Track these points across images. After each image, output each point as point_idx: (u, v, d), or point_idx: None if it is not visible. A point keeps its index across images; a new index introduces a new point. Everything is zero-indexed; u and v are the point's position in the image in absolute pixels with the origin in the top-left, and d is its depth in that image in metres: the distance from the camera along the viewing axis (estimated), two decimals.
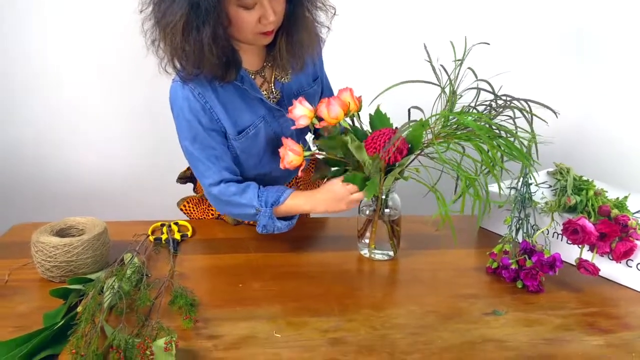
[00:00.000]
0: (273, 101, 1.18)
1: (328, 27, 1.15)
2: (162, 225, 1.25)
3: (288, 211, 1.12)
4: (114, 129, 1.92)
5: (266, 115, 1.15)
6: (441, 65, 0.99)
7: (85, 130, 1.92)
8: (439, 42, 1.04)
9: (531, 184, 1.18)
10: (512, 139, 0.98)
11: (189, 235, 1.23)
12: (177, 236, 1.21)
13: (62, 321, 0.85)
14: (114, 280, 0.95)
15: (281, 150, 1.05)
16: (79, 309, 0.88)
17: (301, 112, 1.03)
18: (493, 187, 1.22)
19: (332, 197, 1.07)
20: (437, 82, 1.00)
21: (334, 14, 1.12)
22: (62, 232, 1.07)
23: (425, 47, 1.00)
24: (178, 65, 1.03)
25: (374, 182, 1.02)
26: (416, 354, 0.82)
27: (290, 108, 1.05)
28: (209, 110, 1.09)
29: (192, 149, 1.11)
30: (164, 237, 1.19)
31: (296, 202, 1.10)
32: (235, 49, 1.05)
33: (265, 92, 1.16)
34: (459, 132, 0.98)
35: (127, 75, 1.84)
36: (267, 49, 1.14)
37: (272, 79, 1.17)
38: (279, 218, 1.12)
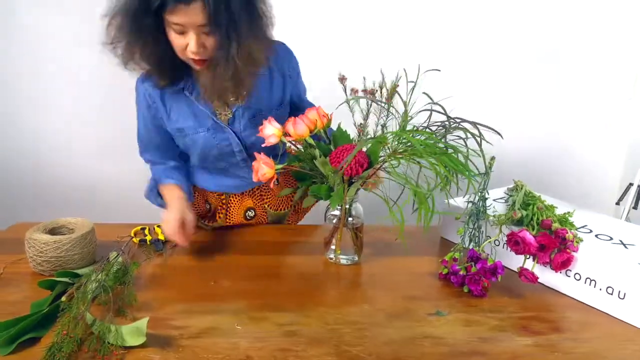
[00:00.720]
0: (224, 117, 1.30)
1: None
2: (143, 228, 1.35)
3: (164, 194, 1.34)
4: (109, 134, 2.03)
5: (213, 128, 1.29)
6: (396, 91, 1.09)
7: (84, 135, 2.04)
8: (397, 66, 1.15)
9: (487, 198, 1.27)
10: (458, 156, 1.07)
11: None
12: (162, 237, 1.31)
13: (47, 309, 0.95)
14: (100, 274, 1.06)
15: (254, 164, 1.16)
16: (63, 298, 0.98)
17: (270, 131, 1.13)
18: (454, 201, 1.32)
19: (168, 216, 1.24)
20: (383, 102, 1.10)
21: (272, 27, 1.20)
22: (54, 231, 1.18)
23: (381, 72, 1.10)
24: (131, 68, 1.19)
25: (338, 192, 1.12)
26: (359, 346, 0.92)
27: (260, 127, 1.15)
28: (154, 108, 1.29)
29: (140, 130, 1.36)
30: (148, 238, 1.30)
31: (166, 194, 1.33)
32: (179, 63, 1.18)
33: (218, 109, 1.30)
34: (412, 150, 1.08)
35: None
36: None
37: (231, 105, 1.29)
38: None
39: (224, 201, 1.46)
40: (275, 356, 0.88)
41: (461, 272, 1.11)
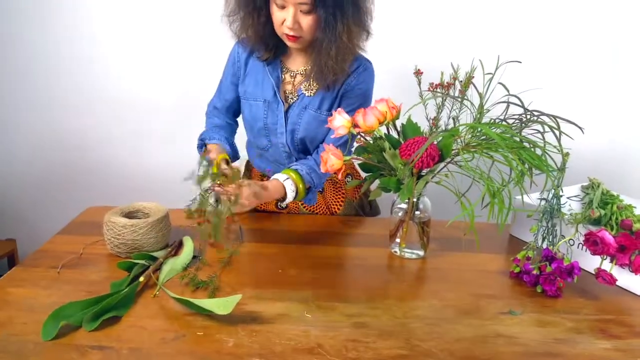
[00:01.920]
0: (289, 101, 1.37)
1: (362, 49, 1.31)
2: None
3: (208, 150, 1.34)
4: (178, 123, 2.09)
5: (269, 101, 1.36)
6: (472, 83, 1.07)
7: (156, 127, 2.11)
8: (473, 58, 1.12)
9: (561, 196, 1.23)
10: (537, 151, 1.04)
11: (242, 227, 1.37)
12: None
13: (127, 288, 0.99)
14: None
15: (323, 154, 1.16)
16: (141, 279, 1.02)
17: (340, 122, 1.13)
18: (526, 198, 1.29)
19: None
20: (463, 97, 1.08)
21: (368, 36, 1.29)
22: (130, 215, 1.22)
23: (452, 65, 1.08)
24: (234, 31, 1.33)
25: (408, 186, 1.11)
26: (431, 342, 0.91)
27: (329, 118, 1.15)
28: (237, 67, 1.41)
29: (222, 81, 1.47)
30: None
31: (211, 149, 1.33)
32: (279, 41, 1.30)
33: (286, 90, 1.37)
34: (486, 143, 1.05)
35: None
36: (307, 59, 1.36)
37: (297, 85, 1.37)
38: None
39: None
40: (347, 346, 0.88)
41: (535, 272, 1.07)
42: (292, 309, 0.99)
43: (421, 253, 1.22)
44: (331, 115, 1.38)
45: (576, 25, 1.95)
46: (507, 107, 1.07)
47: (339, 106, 1.38)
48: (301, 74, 1.37)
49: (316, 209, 1.51)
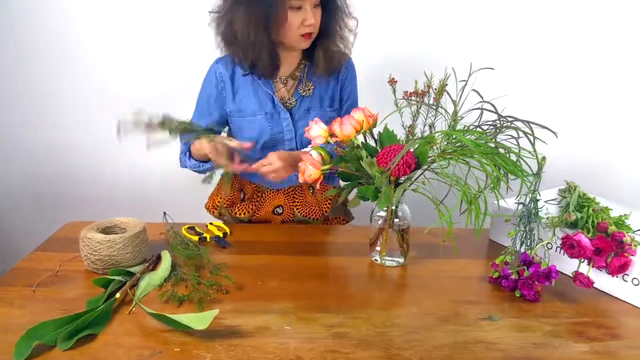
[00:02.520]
0: (288, 106, 1.39)
1: (354, 35, 1.39)
2: (191, 227, 1.38)
3: (196, 149, 1.34)
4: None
5: (271, 113, 1.38)
6: (446, 91, 1.08)
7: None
8: (447, 65, 1.13)
9: (538, 200, 1.24)
10: (512, 156, 1.05)
11: (228, 234, 1.36)
12: (219, 233, 1.33)
13: (103, 306, 0.98)
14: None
15: (301, 164, 1.16)
16: (118, 295, 1.01)
17: (317, 132, 1.13)
18: (503, 202, 1.30)
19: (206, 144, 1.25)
20: (437, 105, 1.08)
21: (357, 27, 1.36)
22: (107, 230, 1.21)
23: (425, 73, 1.09)
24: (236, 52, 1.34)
25: (386, 194, 1.11)
26: (410, 350, 0.90)
27: (306, 128, 1.16)
28: (221, 87, 1.39)
29: (201, 103, 1.43)
30: (207, 235, 1.32)
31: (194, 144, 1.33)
32: (277, 53, 1.33)
33: (282, 98, 1.39)
34: (461, 150, 1.06)
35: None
36: (295, 62, 1.40)
37: (293, 88, 1.40)
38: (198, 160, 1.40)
39: (258, 193, 1.51)
40: (326, 357, 0.88)
41: (513, 276, 1.08)
42: (271, 322, 0.98)
43: (401, 260, 1.22)
44: (334, 111, 1.42)
45: (549, 30, 1.98)
46: (481, 113, 1.08)
47: (340, 100, 1.46)
48: (292, 78, 1.41)
49: (308, 213, 1.51)
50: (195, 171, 1.43)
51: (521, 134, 1.08)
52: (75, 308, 1.00)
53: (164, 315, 0.94)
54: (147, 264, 1.15)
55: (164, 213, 1.34)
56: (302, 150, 1.40)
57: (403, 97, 1.11)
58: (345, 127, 1.10)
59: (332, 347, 0.91)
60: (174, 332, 0.94)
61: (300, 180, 1.14)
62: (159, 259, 1.19)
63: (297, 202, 1.51)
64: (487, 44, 1.96)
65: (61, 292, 1.08)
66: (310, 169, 1.14)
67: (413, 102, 1.11)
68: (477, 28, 1.95)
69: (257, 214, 1.51)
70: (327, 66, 1.37)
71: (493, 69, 1.09)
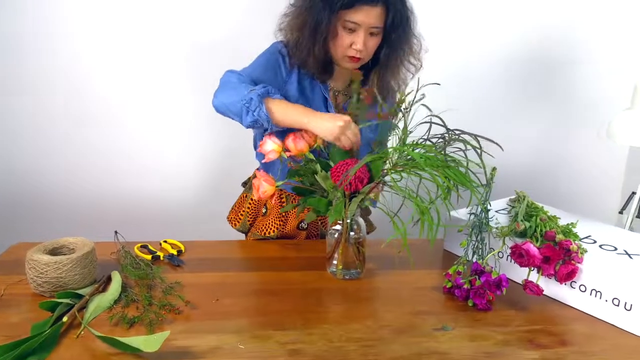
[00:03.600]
0: None
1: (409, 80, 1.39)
2: (144, 246, 1.35)
3: (281, 110, 1.21)
4: (109, 153, 2.03)
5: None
6: (399, 106, 1.10)
7: (82, 153, 2.04)
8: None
9: (489, 210, 1.27)
10: (461, 168, 1.07)
11: (183, 251, 1.34)
12: (174, 252, 1.31)
13: (49, 330, 0.94)
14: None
15: (255, 181, 1.15)
16: (65, 319, 0.97)
17: (270, 147, 1.13)
18: (456, 213, 1.32)
19: (331, 117, 1.18)
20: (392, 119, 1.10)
21: (419, 69, 1.37)
22: (54, 251, 1.17)
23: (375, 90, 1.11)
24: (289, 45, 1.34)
25: (337, 207, 1.11)
26: None
27: (260, 143, 1.15)
28: (283, 67, 1.35)
29: (256, 70, 1.33)
30: (160, 254, 1.29)
31: (292, 105, 1.23)
32: (330, 62, 1.33)
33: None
34: (412, 163, 1.08)
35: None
36: (348, 79, 1.39)
37: (341, 102, 1.40)
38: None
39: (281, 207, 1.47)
40: None
41: (465, 286, 1.10)
42: (224, 341, 0.96)
43: (359, 273, 1.23)
44: (372, 132, 1.39)
45: (486, 45, 2.04)
46: (430, 127, 1.10)
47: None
48: (344, 94, 1.41)
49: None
50: (252, 124, 1.22)
51: (469, 147, 1.10)
52: (20, 334, 0.96)
53: (113, 338, 0.91)
54: (96, 286, 1.12)
55: (115, 232, 1.31)
56: None
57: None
58: (299, 142, 1.11)
59: None
60: (124, 355, 0.91)
61: (255, 197, 1.13)
62: (109, 279, 1.15)
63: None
64: (434, 60, 2.00)
65: (5, 317, 1.03)
66: (265, 186, 1.13)
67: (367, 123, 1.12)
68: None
69: (284, 229, 1.47)
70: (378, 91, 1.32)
71: (439, 84, 1.11)
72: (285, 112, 1.21)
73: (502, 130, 1.96)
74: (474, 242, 1.20)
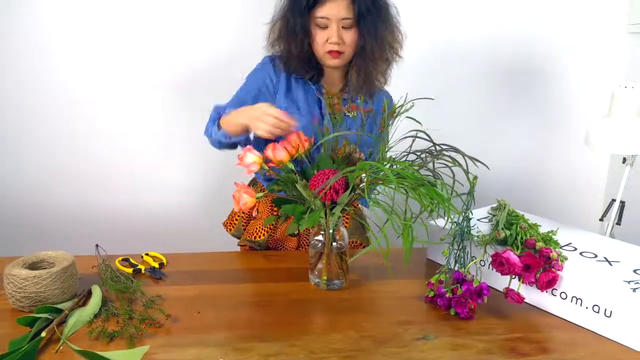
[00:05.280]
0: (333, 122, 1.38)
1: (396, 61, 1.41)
2: (126, 259, 1.34)
3: (227, 120, 1.32)
4: (91, 165, 2.02)
5: (318, 120, 1.38)
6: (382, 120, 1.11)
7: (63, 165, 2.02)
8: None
9: (471, 218, 1.28)
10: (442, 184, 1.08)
11: (165, 264, 1.33)
12: (155, 264, 1.30)
13: (27, 346, 0.93)
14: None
15: (235, 193, 1.14)
16: (43, 334, 0.96)
17: (251, 159, 1.13)
18: (438, 222, 1.32)
19: (250, 110, 1.24)
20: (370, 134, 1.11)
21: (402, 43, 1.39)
22: (34, 265, 1.15)
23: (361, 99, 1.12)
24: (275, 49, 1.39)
25: (312, 215, 1.10)
26: None
27: (239, 155, 1.15)
28: (272, 81, 1.41)
29: (240, 93, 1.42)
30: (142, 267, 1.28)
31: (235, 111, 1.30)
32: (315, 62, 1.37)
33: (333, 113, 1.40)
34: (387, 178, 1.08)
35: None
36: (342, 80, 1.43)
37: (337, 107, 1.42)
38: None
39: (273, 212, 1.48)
40: None
41: (447, 295, 1.10)
42: (205, 355, 0.95)
43: (342, 283, 1.22)
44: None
45: (469, 56, 2.06)
46: (413, 141, 1.11)
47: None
48: (338, 97, 1.43)
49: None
50: (219, 145, 1.38)
51: (453, 162, 1.11)
52: None
53: (93, 352, 0.91)
54: (76, 300, 1.10)
55: (96, 245, 1.30)
56: None
57: (348, 108, 1.13)
58: (278, 152, 1.11)
59: None
60: None
61: (236, 209, 1.12)
62: (89, 293, 1.14)
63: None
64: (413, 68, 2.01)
65: None
66: (245, 197, 1.12)
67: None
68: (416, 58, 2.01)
69: (274, 234, 1.48)
70: (360, 86, 1.38)
71: (433, 99, 1.13)
72: (229, 121, 1.31)
73: (484, 137, 2.00)
74: (455, 251, 1.20)
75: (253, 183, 1.57)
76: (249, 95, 1.41)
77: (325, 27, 1.30)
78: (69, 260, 1.14)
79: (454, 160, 1.10)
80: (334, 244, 1.19)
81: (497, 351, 0.98)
